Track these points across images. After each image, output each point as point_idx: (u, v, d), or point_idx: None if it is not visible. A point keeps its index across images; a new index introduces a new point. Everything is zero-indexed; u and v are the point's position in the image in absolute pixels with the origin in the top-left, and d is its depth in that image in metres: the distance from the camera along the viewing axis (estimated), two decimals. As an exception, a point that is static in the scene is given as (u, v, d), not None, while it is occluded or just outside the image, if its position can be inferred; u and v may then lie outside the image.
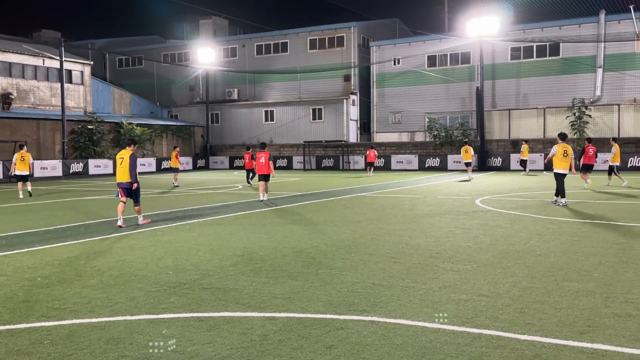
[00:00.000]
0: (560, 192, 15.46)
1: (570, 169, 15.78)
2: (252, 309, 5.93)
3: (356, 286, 6.81)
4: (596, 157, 21.53)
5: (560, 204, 15.21)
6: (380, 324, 5.37)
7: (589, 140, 21.99)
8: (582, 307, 5.82)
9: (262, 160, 18.23)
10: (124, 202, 12.65)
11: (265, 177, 18.22)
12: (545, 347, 4.73)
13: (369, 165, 33.96)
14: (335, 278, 7.24)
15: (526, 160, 31.68)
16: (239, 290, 6.69)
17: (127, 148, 12.94)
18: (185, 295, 6.50)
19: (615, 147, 21.57)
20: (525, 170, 31.84)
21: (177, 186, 25.43)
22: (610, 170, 21.85)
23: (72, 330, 5.32)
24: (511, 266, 7.80)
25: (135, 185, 12.57)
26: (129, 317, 5.68)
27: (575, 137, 36.10)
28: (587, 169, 20.81)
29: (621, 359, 4.46)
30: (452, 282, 6.92)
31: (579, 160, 21.15)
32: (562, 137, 16.07)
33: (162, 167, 42.97)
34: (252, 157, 23.53)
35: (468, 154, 28.42)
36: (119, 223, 12.31)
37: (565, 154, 15.56)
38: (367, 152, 34.83)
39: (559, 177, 15.53)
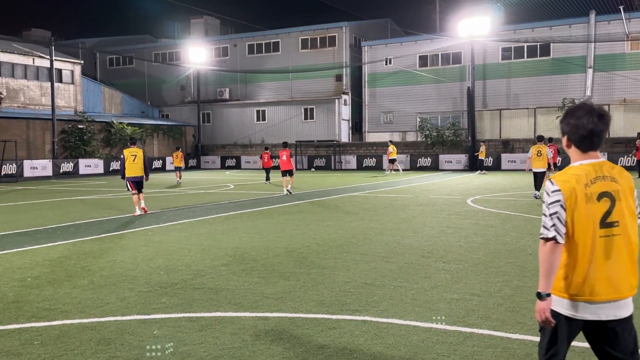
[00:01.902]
0: (536, 186, 17.19)
1: (548, 167, 17.73)
2: (244, 309, 5.91)
3: (348, 286, 6.81)
4: (559, 154, 22.60)
5: (535, 196, 17.03)
6: (373, 324, 5.37)
7: (550, 140, 23.05)
8: (573, 306, 5.84)
9: (284, 157, 20.42)
10: (136, 194, 14.34)
11: (288, 173, 20.30)
12: (536, 346, 4.73)
13: (390, 162, 35.38)
14: (327, 278, 7.23)
15: (483, 160, 33.76)
16: (230, 290, 6.67)
17: (136, 146, 14.76)
18: (177, 296, 6.47)
19: (562, 148, 22.98)
20: (481, 170, 33.88)
21: (179, 183, 27.32)
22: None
23: (63, 331, 5.28)
24: (502, 265, 7.83)
25: (147, 178, 14.66)
26: (120, 318, 5.65)
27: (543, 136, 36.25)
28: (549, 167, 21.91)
29: (612, 357, 4.48)
30: (444, 281, 6.93)
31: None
32: (539, 139, 17.97)
33: (153, 167, 42.80)
34: (272, 157, 24.89)
35: (394, 152, 33.87)
36: (138, 212, 14.12)
37: (539, 154, 17.20)
38: (387, 150, 36.09)
39: (534, 175, 17.30)
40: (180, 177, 28.28)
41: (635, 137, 33.85)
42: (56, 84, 38.94)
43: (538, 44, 38.97)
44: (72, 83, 42.96)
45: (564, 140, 3.11)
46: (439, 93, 42.28)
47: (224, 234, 11.05)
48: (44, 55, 39.59)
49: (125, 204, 17.15)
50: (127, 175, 14.29)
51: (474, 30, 37.11)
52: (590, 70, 37.47)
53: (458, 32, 37.98)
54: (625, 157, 33.82)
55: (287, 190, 20.11)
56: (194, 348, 4.78)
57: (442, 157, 38.85)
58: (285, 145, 21.53)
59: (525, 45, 39.37)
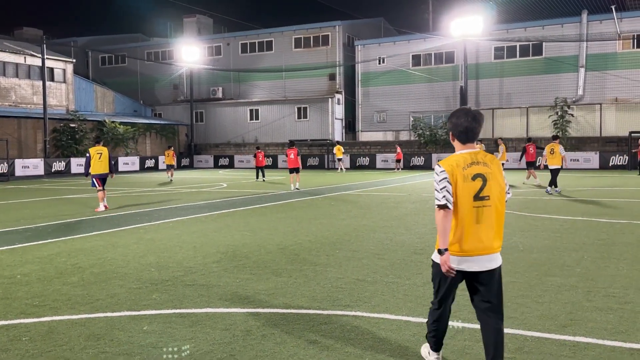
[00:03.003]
0: (552, 182, 17.99)
1: (530, 164, 20.56)
2: (235, 304, 5.89)
3: (340, 282, 6.79)
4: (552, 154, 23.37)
5: (555, 192, 17.94)
6: (364, 319, 5.35)
7: (529, 139, 23.88)
8: (565, 301, 5.86)
9: (292, 155, 21.35)
10: (102, 190, 15.03)
11: (295, 170, 21.27)
12: (527, 340, 4.75)
13: (397, 162, 36.77)
14: (319, 274, 7.22)
15: None
16: (222, 287, 6.64)
17: (100, 145, 15.77)
18: (168, 292, 6.43)
19: (503, 147, 24.23)
20: None
21: (171, 181, 27.93)
22: None
23: (52, 327, 5.24)
24: (494, 262, 7.82)
25: (112, 175, 15.62)
26: (109, 314, 5.61)
27: (558, 135, 36.44)
28: (529, 165, 22.76)
29: (603, 351, 4.49)
30: (436, 277, 6.92)
31: (520, 159, 23.25)
32: (553, 138, 19.17)
33: (146, 166, 42.65)
34: (266, 156, 26.12)
35: (340, 151, 36.30)
36: (102, 208, 14.76)
37: (552, 152, 18.17)
38: (397, 149, 37.17)
39: (551, 171, 18.15)
40: (171, 175, 28.78)
41: (627, 135, 34.02)
42: (48, 83, 38.72)
43: (530, 43, 39.09)
44: (64, 82, 42.71)
45: (450, 135, 4.02)
46: (432, 92, 42.34)
47: (216, 231, 11.01)
48: (35, 54, 39.35)
49: (117, 203, 17.07)
50: (93, 173, 15.05)
51: (467, 30, 37.18)
52: (582, 70, 37.62)
53: (451, 31, 38.06)
54: (617, 155, 33.97)
55: (295, 187, 21.21)
56: (184, 343, 4.75)
57: (435, 156, 38.91)
58: (292, 144, 22.61)
59: (518, 44, 39.49)
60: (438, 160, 3.89)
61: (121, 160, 40.88)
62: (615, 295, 6.05)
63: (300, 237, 10.18)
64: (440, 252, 3.86)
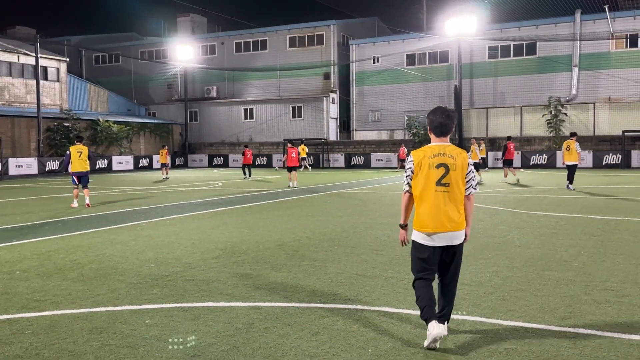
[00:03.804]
0: (568, 178, 18.61)
1: (507, 162, 22.43)
2: (236, 299, 5.91)
3: (340, 277, 6.83)
4: (568, 151, 23.64)
5: (568, 188, 18.43)
6: (365, 312, 5.39)
7: (509, 138, 24.70)
8: (563, 295, 5.91)
9: (293, 154, 22.39)
10: (77, 187, 15.46)
11: (294, 168, 22.21)
12: (527, 332, 4.79)
13: (401, 161, 37.33)
14: (318, 269, 7.25)
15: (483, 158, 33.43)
16: (222, 282, 6.66)
17: (81, 144, 15.77)
18: (168, 287, 6.45)
19: (476, 146, 25.38)
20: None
21: (166, 179, 28.54)
22: (476, 167, 23.96)
23: (54, 320, 5.24)
24: (492, 257, 7.88)
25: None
26: (111, 308, 5.62)
27: (551, 135, 36.66)
28: (508, 163, 23.50)
29: (603, 342, 4.54)
30: (435, 272, 6.96)
31: (502, 157, 23.79)
32: (571, 135, 19.41)
33: (140, 165, 42.54)
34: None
35: (304, 151, 36.36)
36: (75, 204, 15.20)
37: (567, 149, 18.71)
38: (400, 149, 37.57)
39: (567, 167, 18.77)
40: (166, 174, 29.41)
41: (621, 135, 34.21)
42: (41, 82, 38.55)
43: (524, 42, 39.26)
44: (58, 81, 42.52)
45: (428, 129, 4.69)
46: (426, 91, 42.44)
47: (214, 228, 11.02)
48: (29, 53, 39.16)
49: (112, 200, 17.05)
50: (72, 171, 15.39)
51: (461, 29, 37.27)
52: (575, 69, 37.82)
53: (445, 31, 38.14)
54: (611, 154, 34.14)
55: (293, 185, 21.79)
56: (187, 336, 4.77)
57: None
58: (293, 143, 23.57)
59: (512, 44, 39.65)
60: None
61: (115, 159, 40.78)
62: (612, 289, 6.11)
63: (298, 233, 10.21)
64: (401, 226, 4.75)
